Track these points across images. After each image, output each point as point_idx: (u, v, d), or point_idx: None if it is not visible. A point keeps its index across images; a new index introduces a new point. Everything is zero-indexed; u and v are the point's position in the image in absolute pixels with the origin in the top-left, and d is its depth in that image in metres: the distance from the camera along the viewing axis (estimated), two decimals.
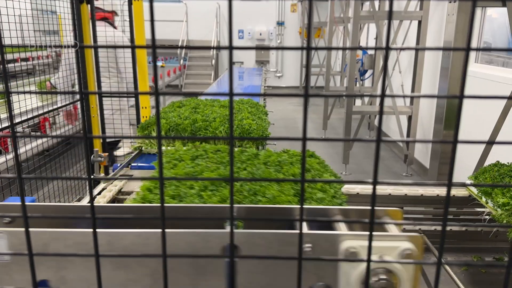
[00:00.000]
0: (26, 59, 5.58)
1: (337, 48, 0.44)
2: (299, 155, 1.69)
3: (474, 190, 1.70)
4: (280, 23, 11.70)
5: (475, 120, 3.80)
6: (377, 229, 0.92)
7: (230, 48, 0.43)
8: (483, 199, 1.63)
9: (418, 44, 4.99)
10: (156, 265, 0.81)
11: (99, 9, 3.93)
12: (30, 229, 0.82)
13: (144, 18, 3.20)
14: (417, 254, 0.79)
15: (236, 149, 1.75)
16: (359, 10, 4.82)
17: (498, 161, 1.81)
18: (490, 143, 0.48)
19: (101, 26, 3.77)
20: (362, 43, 7.80)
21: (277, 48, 0.45)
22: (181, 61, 10.68)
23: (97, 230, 0.81)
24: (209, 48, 0.47)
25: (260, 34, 11.59)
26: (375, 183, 0.46)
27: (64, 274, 0.81)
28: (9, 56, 5.26)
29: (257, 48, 0.47)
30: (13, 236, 0.82)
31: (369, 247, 0.49)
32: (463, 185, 0.52)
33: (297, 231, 0.85)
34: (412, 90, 5.15)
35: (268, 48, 0.45)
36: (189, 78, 10.92)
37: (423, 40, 4.93)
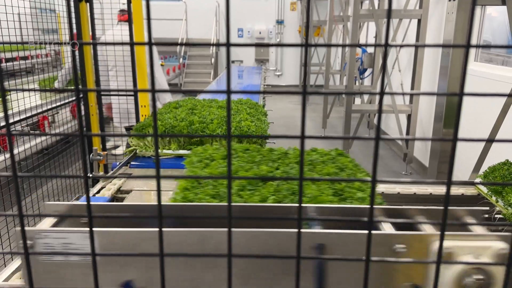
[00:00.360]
0: (25, 58, 5.58)
1: (336, 45, 0.43)
2: (329, 154, 1.65)
3: (483, 188, 1.68)
4: (280, 22, 11.68)
5: (475, 119, 3.79)
6: (460, 230, 0.92)
7: (228, 45, 0.43)
8: (493, 198, 1.62)
9: (417, 43, 4.99)
10: (245, 265, 0.81)
11: (124, 11, 4.06)
12: (118, 229, 0.82)
13: (144, 16, 3.20)
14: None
15: (264, 148, 1.74)
16: (358, 9, 4.82)
17: (507, 160, 1.79)
18: (490, 141, 0.47)
19: (125, 26, 3.84)
20: (362, 42, 7.78)
21: (275, 45, 0.45)
22: (181, 59, 10.66)
23: (188, 229, 0.82)
24: (206, 45, 0.46)
25: (260, 33, 11.57)
26: (374, 181, 0.46)
27: (152, 275, 0.82)
28: (8, 55, 5.26)
29: (255, 44, 0.47)
30: (101, 236, 0.81)
31: (368, 247, 0.48)
32: (463, 183, 0.52)
33: (383, 232, 0.85)
34: (412, 89, 5.14)
35: (266, 45, 0.45)
36: (189, 77, 10.91)
37: (423, 39, 4.92)
